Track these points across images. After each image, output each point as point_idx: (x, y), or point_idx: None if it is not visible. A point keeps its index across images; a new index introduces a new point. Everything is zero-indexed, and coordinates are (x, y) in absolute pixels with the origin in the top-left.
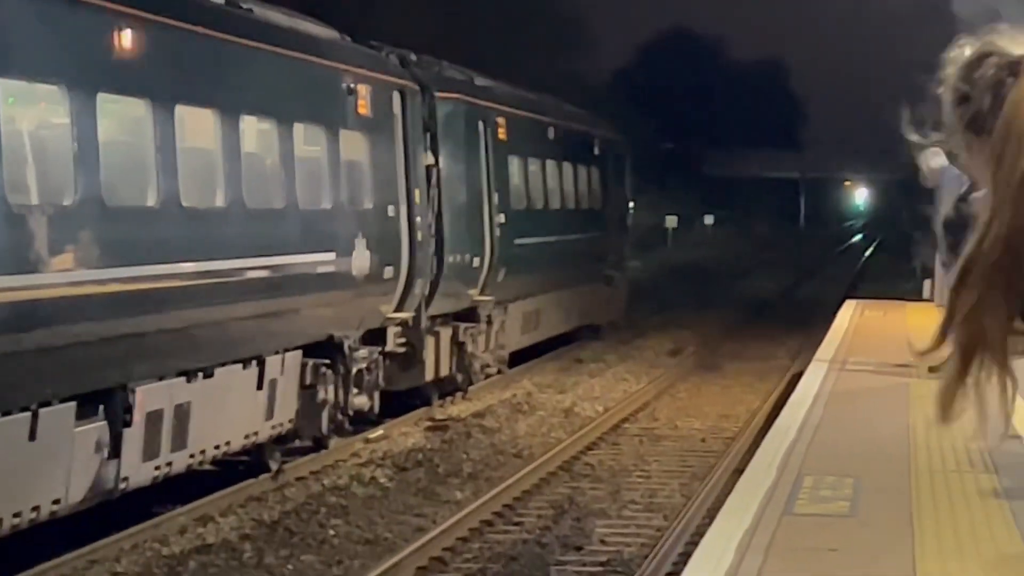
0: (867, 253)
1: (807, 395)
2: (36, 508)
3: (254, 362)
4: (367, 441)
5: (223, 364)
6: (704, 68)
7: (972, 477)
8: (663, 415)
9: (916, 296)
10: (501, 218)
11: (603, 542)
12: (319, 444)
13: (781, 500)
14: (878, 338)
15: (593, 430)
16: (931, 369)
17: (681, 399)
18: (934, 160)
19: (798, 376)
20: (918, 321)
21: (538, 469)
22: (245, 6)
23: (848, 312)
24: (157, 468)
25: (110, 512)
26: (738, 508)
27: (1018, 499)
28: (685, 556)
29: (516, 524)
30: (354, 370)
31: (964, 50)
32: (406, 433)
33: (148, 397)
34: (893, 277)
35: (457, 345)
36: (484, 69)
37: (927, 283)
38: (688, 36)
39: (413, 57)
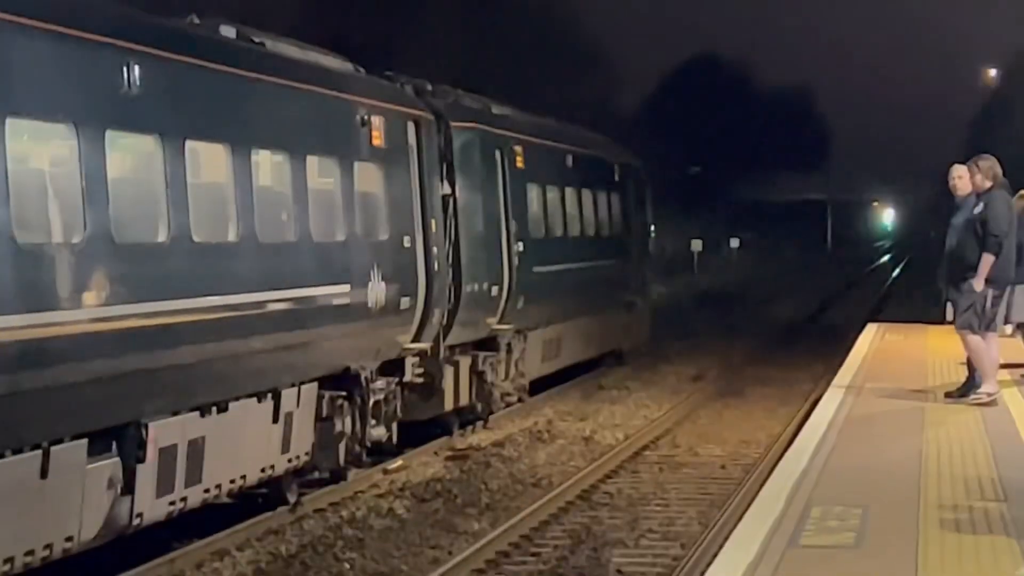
0: (894, 274)
1: (822, 422)
2: (48, 546)
3: (269, 395)
4: (386, 472)
5: (238, 398)
6: (731, 92)
7: (982, 506)
8: (684, 442)
9: (940, 319)
10: (519, 246)
11: (620, 572)
12: (337, 476)
13: (788, 531)
14: (897, 362)
15: (612, 458)
16: (947, 394)
17: (702, 425)
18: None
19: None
20: (938, 344)
21: (556, 499)
22: (257, 40)
23: (869, 336)
24: (171, 504)
25: (124, 548)
26: (744, 540)
27: None
28: None
29: (533, 555)
30: (371, 401)
31: None
32: (426, 463)
33: (161, 433)
34: (919, 299)
35: (477, 374)
36: (507, 97)
37: (949, 305)
38: (714, 61)
39: (429, 87)
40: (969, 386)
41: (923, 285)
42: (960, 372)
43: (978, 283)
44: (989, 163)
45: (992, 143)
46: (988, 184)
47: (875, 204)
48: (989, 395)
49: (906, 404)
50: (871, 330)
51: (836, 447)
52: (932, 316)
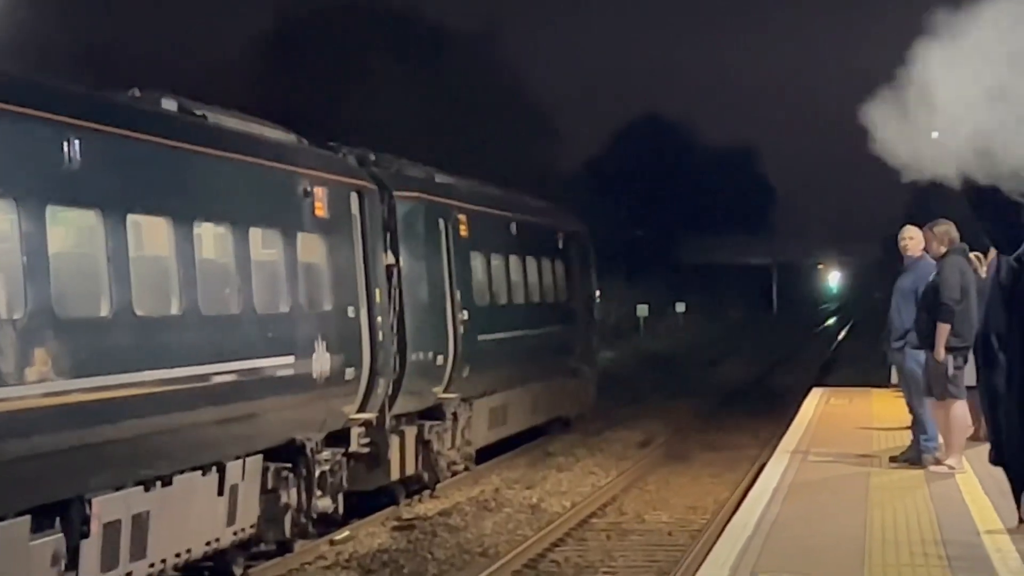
0: (840, 337)
1: (767, 488)
2: None
3: (214, 468)
4: (333, 543)
5: (182, 471)
6: (675, 154)
7: (926, 570)
8: (631, 508)
9: (885, 382)
10: (464, 315)
11: None
12: (283, 548)
13: None
14: (842, 427)
15: (560, 526)
16: (892, 459)
17: (649, 492)
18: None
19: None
20: (883, 409)
21: (503, 568)
22: (199, 112)
23: (814, 401)
24: None
25: None
26: None
27: None
28: None
29: None
30: (317, 473)
31: None
32: (372, 533)
33: (105, 508)
34: (865, 361)
35: (423, 443)
36: (450, 163)
37: (895, 368)
38: (659, 122)
39: (372, 156)
40: (915, 451)
41: (870, 346)
42: (904, 436)
43: (938, 353)
44: (944, 227)
45: (935, 204)
46: (943, 250)
47: (820, 266)
48: (951, 468)
49: (851, 469)
50: (816, 394)
51: (781, 514)
52: (877, 379)
